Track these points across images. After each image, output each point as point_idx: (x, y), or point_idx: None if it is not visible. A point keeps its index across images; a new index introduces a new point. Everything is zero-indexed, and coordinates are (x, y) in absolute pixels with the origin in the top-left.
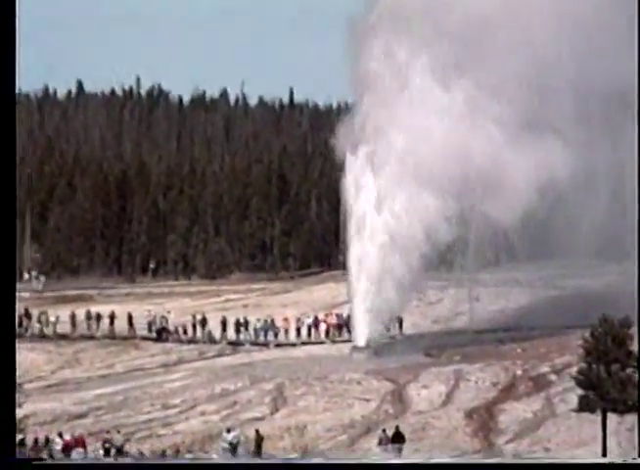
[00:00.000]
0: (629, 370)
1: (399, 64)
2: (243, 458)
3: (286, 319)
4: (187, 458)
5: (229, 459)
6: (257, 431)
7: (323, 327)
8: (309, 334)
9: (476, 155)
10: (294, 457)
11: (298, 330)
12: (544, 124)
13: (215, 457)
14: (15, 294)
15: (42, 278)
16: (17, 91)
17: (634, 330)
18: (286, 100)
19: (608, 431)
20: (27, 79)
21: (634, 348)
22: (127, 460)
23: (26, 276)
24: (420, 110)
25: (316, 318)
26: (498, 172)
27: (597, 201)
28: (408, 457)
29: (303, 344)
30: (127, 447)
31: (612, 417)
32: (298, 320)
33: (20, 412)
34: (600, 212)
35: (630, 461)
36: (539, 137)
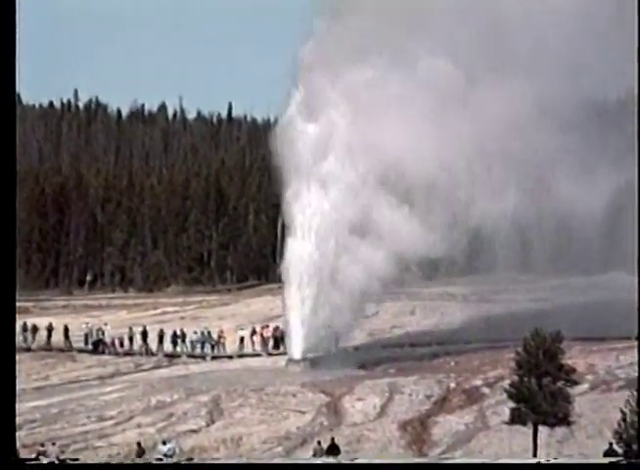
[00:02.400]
0: (560, 383)
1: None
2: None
3: (222, 332)
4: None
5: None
6: None
7: (258, 339)
8: (245, 346)
9: (414, 170)
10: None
11: (236, 342)
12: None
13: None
14: (15, 295)
15: None
16: None
17: (565, 344)
18: (224, 114)
19: (539, 443)
20: None
21: (565, 361)
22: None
23: None
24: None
25: (253, 331)
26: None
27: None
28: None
29: (240, 356)
30: (63, 460)
31: (542, 430)
32: (235, 333)
33: None
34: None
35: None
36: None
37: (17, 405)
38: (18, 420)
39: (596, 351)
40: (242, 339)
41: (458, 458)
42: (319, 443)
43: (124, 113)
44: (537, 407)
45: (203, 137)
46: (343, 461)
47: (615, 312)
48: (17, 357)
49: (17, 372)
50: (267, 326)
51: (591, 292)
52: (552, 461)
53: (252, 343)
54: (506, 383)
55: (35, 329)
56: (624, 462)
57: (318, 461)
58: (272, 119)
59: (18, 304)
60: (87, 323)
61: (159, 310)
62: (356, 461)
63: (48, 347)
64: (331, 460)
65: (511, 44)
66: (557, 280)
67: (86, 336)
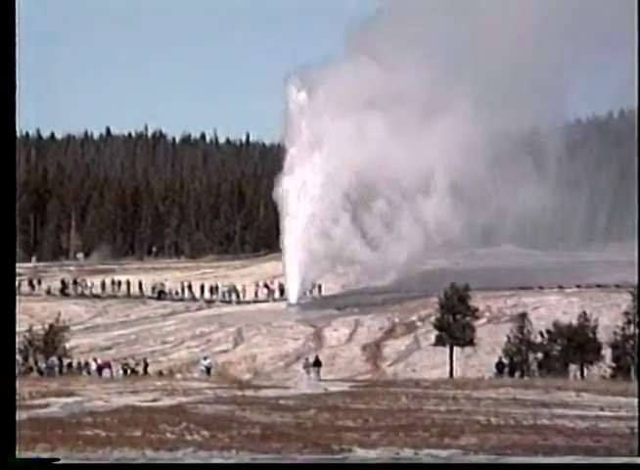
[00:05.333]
0: (467, 318)
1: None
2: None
3: (243, 285)
4: (186, 459)
5: (205, 379)
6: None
7: (267, 290)
8: (258, 295)
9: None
10: (294, 456)
11: (252, 292)
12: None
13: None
14: (15, 293)
15: (82, 256)
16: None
17: (471, 292)
18: (244, 140)
19: (454, 358)
20: None
21: (471, 304)
22: (130, 458)
23: (72, 255)
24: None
25: (264, 284)
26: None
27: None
28: (324, 377)
29: (255, 302)
30: (138, 369)
31: (456, 349)
32: (251, 286)
33: (67, 345)
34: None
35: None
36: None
37: (108, 333)
38: (109, 343)
39: (491, 296)
40: (256, 290)
41: (459, 458)
42: (307, 359)
43: (177, 139)
44: (453, 334)
45: (229, 155)
46: (345, 461)
47: (503, 272)
48: (107, 302)
49: (107, 312)
50: (272, 281)
51: (488, 259)
52: (553, 461)
53: (262, 293)
54: (432, 318)
55: (119, 283)
56: (622, 462)
57: (319, 461)
58: (276, 144)
59: (107, 266)
60: (154, 279)
61: (200, 271)
62: (348, 461)
63: (128, 295)
64: (331, 461)
65: None
66: (467, 251)
67: (153, 288)
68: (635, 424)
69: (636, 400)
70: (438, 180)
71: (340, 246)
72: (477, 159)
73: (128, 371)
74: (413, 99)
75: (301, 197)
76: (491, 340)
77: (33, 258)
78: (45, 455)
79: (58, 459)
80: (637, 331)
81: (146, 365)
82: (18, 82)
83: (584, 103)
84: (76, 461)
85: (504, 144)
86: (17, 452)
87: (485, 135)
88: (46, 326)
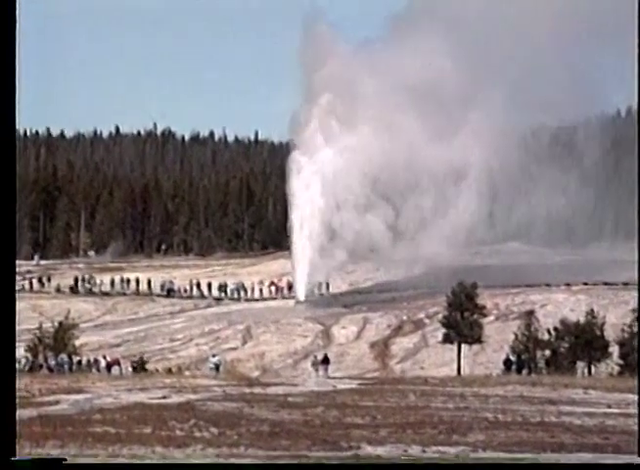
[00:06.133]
0: (475, 316)
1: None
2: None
3: (252, 283)
4: (186, 458)
5: (213, 376)
6: None
7: (275, 288)
8: (266, 293)
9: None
10: (295, 453)
11: (260, 290)
12: None
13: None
14: (15, 293)
15: (93, 254)
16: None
17: (478, 290)
18: (252, 138)
19: (461, 355)
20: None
21: (478, 301)
22: (132, 461)
23: (81, 253)
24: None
25: (271, 282)
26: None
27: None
28: (333, 375)
29: (263, 299)
30: (148, 366)
31: (464, 347)
32: (260, 284)
33: (77, 342)
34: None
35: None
36: None
37: (117, 330)
38: (118, 340)
39: (498, 294)
40: (263, 288)
41: (458, 458)
42: (315, 356)
43: (186, 137)
44: (460, 332)
45: (238, 153)
46: (345, 461)
47: (510, 270)
48: (116, 299)
49: (116, 309)
50: (281, 279)
51: (494, 256)
52: (553, 461)
53: (271, 291)
54: (440, 316)
55: (128, 281)
56: (621, 463)
57: (318, 461)
58: (284, 142)
59: (116, 264)
60: (162, 277)
61: (209, 269)
62: (357, 461)
63: (137, 292)
64: (331, 461)
65: None
66: (473, 249)
67: (162, 285)
68: None
69: None
70: (472, 173)
71: (353, 241)
72: (509, 153)
73: (138, 368)
74: (447, 90)
75: (311, 193)
76: (499, 337)
77: (36, 256)
78: (55, 452)
79: (61, 460)
80: (637, 330)
81: (143, 363)
82: (26, 81)
83: (619, 98)
84: (83, 460)
85: (539, 140)
86: (27, 449)
87: (519, 130)
88: (56, 323)
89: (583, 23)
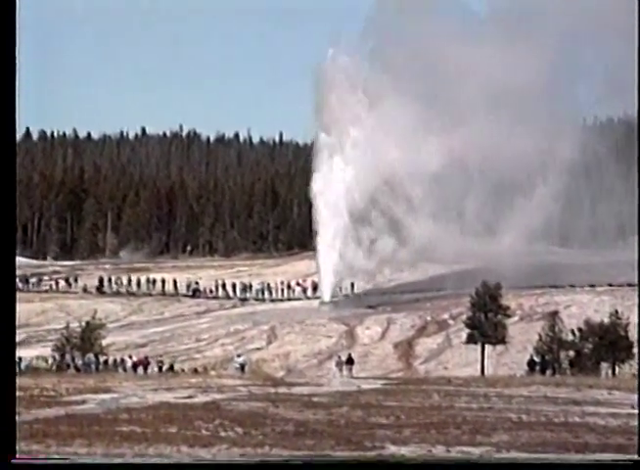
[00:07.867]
0: (499, 316)
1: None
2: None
3: (277, 283)
4: (186, 458)
5: (238, 376)
6: None
7: (300, 288)
8: (292, 293)
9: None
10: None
11: (285, 290)
12: None
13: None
14: (15, 293)
15: (124, 254)
16: None
17: (502, 291)
18: (277, 139)
19: (485, 356)
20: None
21: (502, 302)
22: (136, 461)
23: (107, 254)
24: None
25: (297, 283)
26: None
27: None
28: (357, 375)
29: (288, 300)
30: (175, 367)
31: (487, 347)
32: (285, 284)
33: (103, 342)
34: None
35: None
36: None
37: (143, 330)
38: (144, 340)
39: (522, 295)
40: (289, 288)
41: (458, 458)
42: (339, 356)
43: (212, 138)
44: (484, 332)
45: (263, 154)
46: (346, 461)
47: (535, 271)
48: (142, 300)
49: (142, 310)
50: (305, 280)
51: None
52: (554, 461)
53: (296, 291)
54: (464, 317)
55: (154, 281)
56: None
57: (319, 461)
58: (309, 144)
59: (143, 264)
60: (188, 278)
61: (234, 270)
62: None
63: (163, 293)
64: (331, 460)
65: None
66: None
67: (187, 286)
68: None
69: None
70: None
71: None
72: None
73: (164, 368)
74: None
75: (335, 194)
76: (523, 338)
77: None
78: (82, 451)
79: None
80: (638, 329)
81: (170, 364)
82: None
83: None
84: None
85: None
86: (53, 448)
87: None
88: (83, 323)
89: (615, 20)
